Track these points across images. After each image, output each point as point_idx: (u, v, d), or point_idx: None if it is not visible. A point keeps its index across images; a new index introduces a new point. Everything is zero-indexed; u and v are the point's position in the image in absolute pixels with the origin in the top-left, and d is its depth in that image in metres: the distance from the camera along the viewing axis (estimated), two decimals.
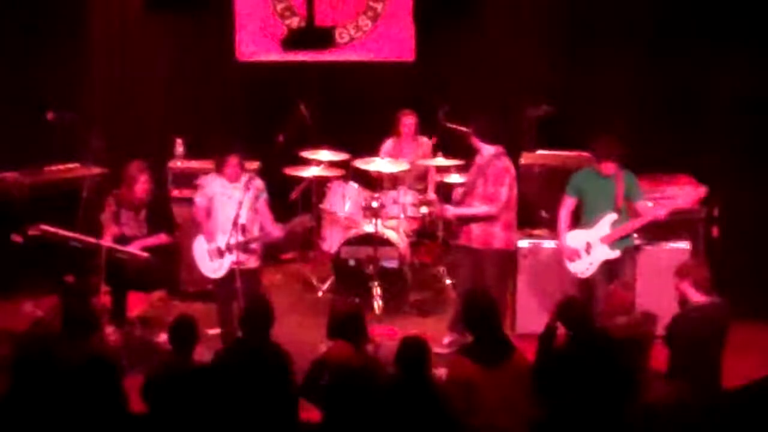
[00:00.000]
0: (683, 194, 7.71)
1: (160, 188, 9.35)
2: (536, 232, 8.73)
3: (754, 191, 7.78)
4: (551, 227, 8.71)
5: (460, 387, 5.91)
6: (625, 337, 6.48)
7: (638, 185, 7.97)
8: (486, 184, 8.09)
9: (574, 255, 7.93)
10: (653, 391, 6.27)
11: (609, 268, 7.86)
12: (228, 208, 7.87)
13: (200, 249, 8.04)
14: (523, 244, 8.64)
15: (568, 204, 8.00)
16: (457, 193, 8.41)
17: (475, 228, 8.13)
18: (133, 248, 8.09)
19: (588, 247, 7.88)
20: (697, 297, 6.72)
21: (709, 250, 8.55)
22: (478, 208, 8.10)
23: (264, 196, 8.03)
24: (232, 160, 7.93)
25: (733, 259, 8.79)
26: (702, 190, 7.76)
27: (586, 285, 7.95)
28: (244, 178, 7.97)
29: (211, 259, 7.94)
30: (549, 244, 8.61)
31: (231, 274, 7.84)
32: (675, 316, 6.72)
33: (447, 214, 8.31)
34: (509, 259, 8.39)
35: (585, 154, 9.16)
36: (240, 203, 7.74)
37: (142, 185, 8.17)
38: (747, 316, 8.47)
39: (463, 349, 6.10)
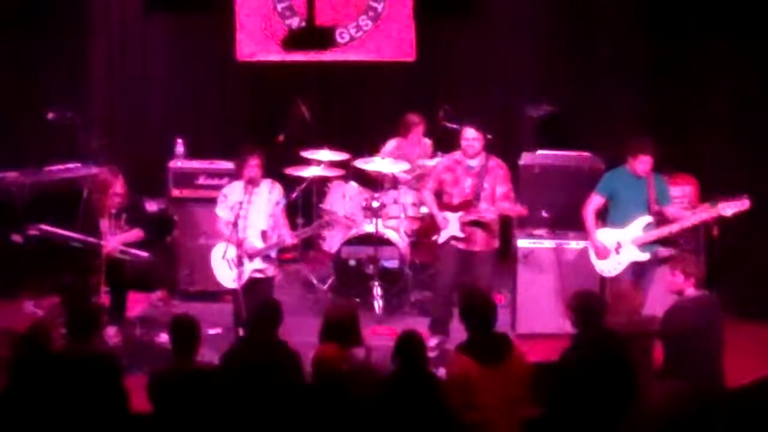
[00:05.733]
0: (728, 204, 7.65)
1: (161, 189, 9.41)
2: (536, 232, 8.72)
3: (754, 191, 7.76)
4: (551, 227, 8.72)
5: (459, 384, 5.93)
6: (626, 334, 6.49)
7: (668, 189, 8.00)
8: (495, 183, 8.07)
9: (605, 253, 7.93)
10: (654, 390, 6.29)
11: (635, 270, 7.87)
12: (252, 215, 7.81)
13: (218, 258, 7.93)
14: (523, 244, 8.65)
15: (596, 202, 7.98)
16: (450, 196, 8.22)
17: (480, 231, 8.09)
18: (116, 245, 8.11)
19: (618, 246, 7.89)
20: (691, 291, 6.77)
21: (709, 250, 8.55)
22: (516, 207, 8.07)
23: (283, 202, 8.02)
24: (253, 161, 7.82)
25: (733, 259, 8.80)
26: (746, 203, 7.64)
27: (606, 285, 7.99)
28: (266, 182, 7.93)
29: (230, 267, 7.83)
30: (549, 244, 8.62)
31: (249, 282, 7.78)
32: (669, 308, 6.76)
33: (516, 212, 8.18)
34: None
35: (585, 153, 9.17)
36: (242, 206, 7.71)
37: (117, 190, 8.16)
38: (747, 316, 8.49)
39: (463, 346, 6.10)
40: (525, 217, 8.36)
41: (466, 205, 8.09)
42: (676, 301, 6.79)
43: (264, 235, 7.86)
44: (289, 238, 7.97)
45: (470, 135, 8.06)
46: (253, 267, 7.81)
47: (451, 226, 8.10)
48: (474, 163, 8.10)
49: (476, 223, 8.07)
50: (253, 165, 7.84)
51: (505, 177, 8.12)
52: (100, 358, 6.09)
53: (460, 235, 8.09)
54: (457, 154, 8.21)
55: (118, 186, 8.18)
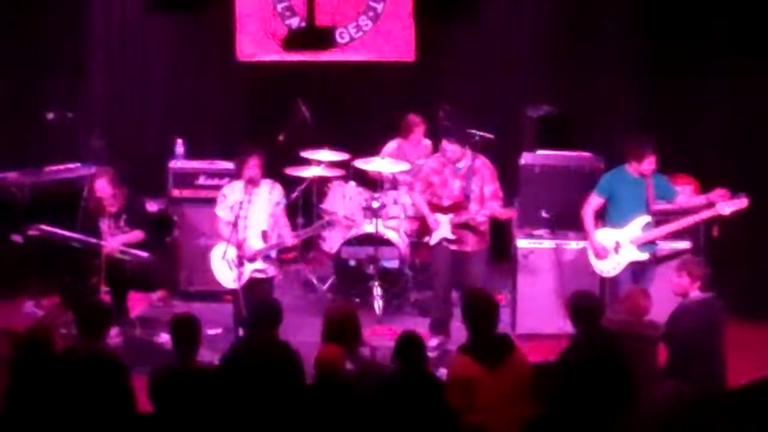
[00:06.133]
0: (727, 203, 7.66)
1: (161, 189, 9.41)
2: (536, 232, 8.72)
3: (754, 191, 7.77)
4: (551, 227, 8.72)
5: (460, 384, 5.94)
6: (625, 333, 6.49)
7: (669, 183, 8.03)
8: (483, 184, 8.08)
9: (603, 253, 7.93)
10: (654, 390, 6.28)
11: (634, 270, 7.88)
12: (253, 215, 7.80)
13: (218, 259, 7.90)
14: (523, 244, 8.65)
15: (595, 202, 7.99)
16: (440, 198, 8.20)
17: (470, 232, 8.10)
18: (120, 246, 8.11)
19: (617, 246, 7.89)
20: (696, 294, 6.80)
21: (709, 250, 8.55)
22: (506, 211, 8.12)
23: (283, 203, 8.02)
24: (252, 161, 7.81)
25: (733, 259, 8.80)
26: (744, 201, 7.67)
27: (606, 285, 8.00)
28: (266, 182, 7.94)
29: (230, 268, 7.82)
30: (549, 244, 8.62)
31: (250, 282, 7.78)
32: (674, 310, 6.76)
33: (506, 216, 8.21)
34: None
35: (585, 153, 9.17)
36: (243, 206, 7.71)
37: (101, 189, 8.17)
38: (747, 316, 8.49)
39: (464, 347, 6.11)
40: (513, 219, 8.43)
41: (456, 207, 8.11)
42: (681, 303, 6.80)
43: (264, 235, 7.85)
44: (290, 239, 7.97)
45: (447, 147, 8.13)
46: (253, 267, 7.81)
47: (442, 227, 8.12)
48: (461, 165, 8.13)
49: (466, 225, 8.09)
50: (253, 165, 7.83)
51: (492, 176, 8.13)
52: (106, 357, 6.09)
53: (451, 236, 8.11)
54: (443, 155, 8.24)
55: (100, 185, 8.18)
